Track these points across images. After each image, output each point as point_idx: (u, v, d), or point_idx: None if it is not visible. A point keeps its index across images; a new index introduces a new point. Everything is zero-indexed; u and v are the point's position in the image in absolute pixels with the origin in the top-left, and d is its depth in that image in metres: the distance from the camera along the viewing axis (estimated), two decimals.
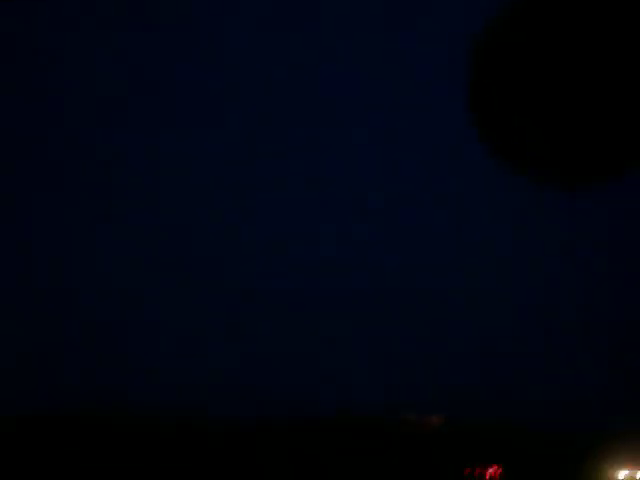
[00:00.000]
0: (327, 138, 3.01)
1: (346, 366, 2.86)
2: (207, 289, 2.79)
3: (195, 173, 2.93)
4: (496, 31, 2.81)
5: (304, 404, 2.88)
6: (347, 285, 2.98)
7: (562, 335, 3.05)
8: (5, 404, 2.97)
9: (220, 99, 2.90)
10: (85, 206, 2.96)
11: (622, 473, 10.17)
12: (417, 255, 3.03)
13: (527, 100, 2.82)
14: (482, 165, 2.89)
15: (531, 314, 3.02)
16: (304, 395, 2.95)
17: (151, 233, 2.95)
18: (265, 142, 2.97)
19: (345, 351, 2.68)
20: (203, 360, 2.81)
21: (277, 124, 2.98)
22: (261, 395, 3.00)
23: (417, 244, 3.02)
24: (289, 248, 2.79)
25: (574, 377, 2.76)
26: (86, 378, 3.00)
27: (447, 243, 3.03)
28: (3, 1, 2.89)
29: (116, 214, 2.98)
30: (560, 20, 2.82)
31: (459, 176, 2.98)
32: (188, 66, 2.92)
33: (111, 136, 2.88)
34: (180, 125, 2.91)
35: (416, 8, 2.97)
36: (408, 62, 2.97)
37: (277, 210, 2.93)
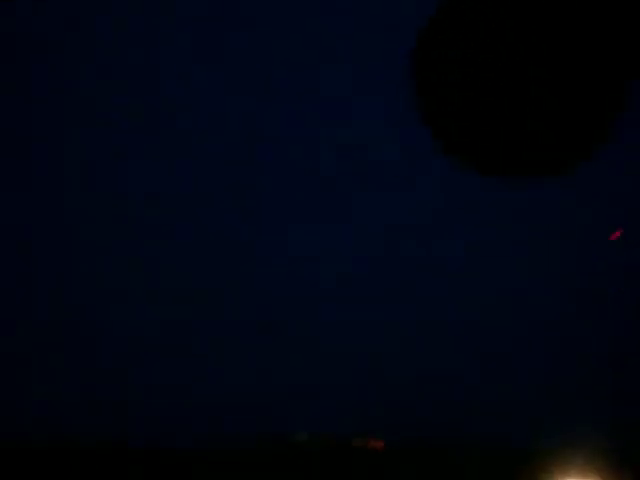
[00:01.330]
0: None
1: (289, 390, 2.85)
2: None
3: (195, 174, 2.98)
4: (438, 24, 2.86)
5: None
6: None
7: (504, 344, 3.03)
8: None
9: (220, 97, 2.96)
10: (82, 210, 2.99)
11: None
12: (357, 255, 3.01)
13: (470, 94, 2.87)
14: (433, 162, 2.92)
15: (475, 327, 3.01)
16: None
17: (153, 239, 2.99)
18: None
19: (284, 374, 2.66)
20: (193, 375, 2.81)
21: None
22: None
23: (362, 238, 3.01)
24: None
25: (518, 390, 2.75)
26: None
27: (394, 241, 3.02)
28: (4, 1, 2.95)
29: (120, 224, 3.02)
30: (501, 10, 2.88)
31: (411, 168, 2.98)
32: (189, 66, 2.97)
33: (110, 137, 2.93)
34: (180, 125, 2.96)
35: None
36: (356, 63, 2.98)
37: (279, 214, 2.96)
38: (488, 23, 2.83)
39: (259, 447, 2.99)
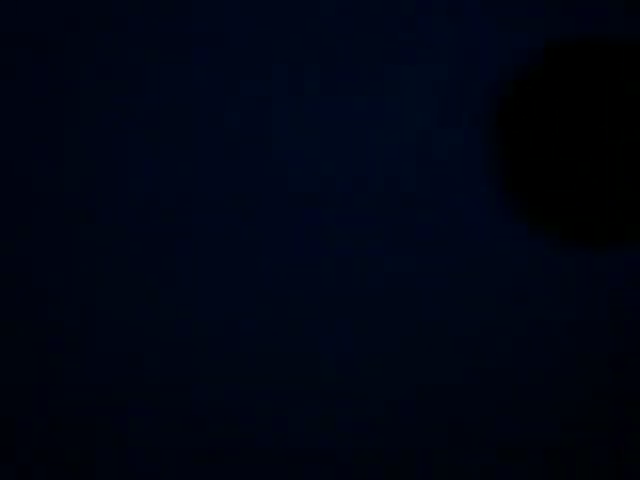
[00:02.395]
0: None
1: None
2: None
3: (195, 175, 2.97)
4: (522, 89, 2.80)
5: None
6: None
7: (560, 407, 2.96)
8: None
9: (220, 97, 2.95)
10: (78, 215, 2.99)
11: None
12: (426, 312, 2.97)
13: (558, 163, 2.80)
14: (509, 227, 2.85)
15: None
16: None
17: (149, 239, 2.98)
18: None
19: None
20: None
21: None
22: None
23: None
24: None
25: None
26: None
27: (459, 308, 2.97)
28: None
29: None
30: (588, 82, 2.80)
31: (482, 235, 2.93)
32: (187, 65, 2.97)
33: (110, 138, 2.93)
34: (180, 128, 2.96)
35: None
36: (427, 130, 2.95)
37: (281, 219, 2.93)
38: (576, 88, 2.80)
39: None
